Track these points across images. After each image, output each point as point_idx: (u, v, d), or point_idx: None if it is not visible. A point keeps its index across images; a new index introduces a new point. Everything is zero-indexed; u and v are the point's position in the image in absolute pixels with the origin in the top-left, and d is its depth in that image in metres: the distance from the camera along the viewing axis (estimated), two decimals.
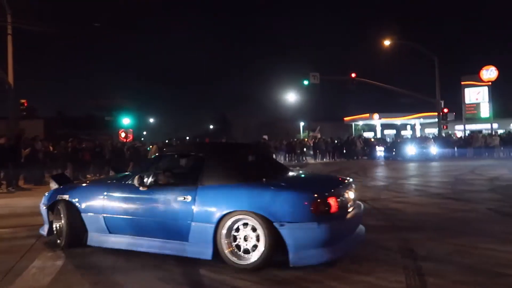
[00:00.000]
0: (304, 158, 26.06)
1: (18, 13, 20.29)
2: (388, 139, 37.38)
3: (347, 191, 4.54)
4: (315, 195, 3.98)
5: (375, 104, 48.31)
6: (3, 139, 12.61)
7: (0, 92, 20.38)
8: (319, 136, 34.01)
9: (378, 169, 18.24)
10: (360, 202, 5.13)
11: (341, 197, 4.27)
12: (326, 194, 4.07)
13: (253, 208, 3.99)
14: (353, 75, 30.26)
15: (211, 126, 78.65)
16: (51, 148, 17.05)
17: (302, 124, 58.24)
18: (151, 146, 19.20)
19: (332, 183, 4.72)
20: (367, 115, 46.74)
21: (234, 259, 4.07)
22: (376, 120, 46.65)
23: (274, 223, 3.88)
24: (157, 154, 7.00)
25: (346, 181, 4.86)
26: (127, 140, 27.38)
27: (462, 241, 5.04)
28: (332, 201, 4.01)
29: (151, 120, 67.76)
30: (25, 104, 21.95)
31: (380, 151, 27.53)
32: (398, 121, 49.09)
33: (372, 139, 32.85)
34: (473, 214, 6.80)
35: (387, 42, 30.72)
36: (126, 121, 31.62)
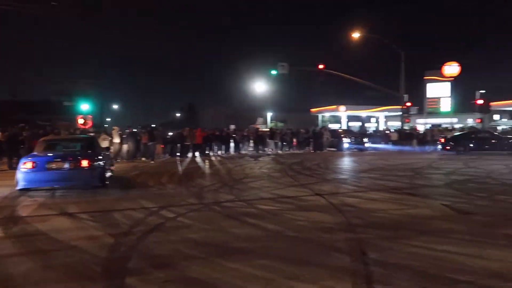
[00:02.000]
0: (264, 149, 25.55)
1: None
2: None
3: (60, 162, 8.84)
4: (23, 161, 8.89)
5: (342, 96, 48.57)
6: None
7: None
8: (258, 127, 33.45)
9: (341, 161, 18.19)
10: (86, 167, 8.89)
11: (41, 163, 8.76)
12: (25, 161, 8.89)
13: None
14: (321, 66, 30.20)
15: (178, 114, 77.16)
16: None
17: (270, 114, 58.07)
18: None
19: (46, 158, 9.07)
20: (334, 107, 47.16)
21: None
22: (342, 112, 47.14)
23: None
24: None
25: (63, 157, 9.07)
26: (87, 127, 26.16)
27: (416, 241, 4.81)
28: (28, 164, 8.71)
29: (115, 106, 65.56)
30: None
31: (347, 142, 27.57)
32: (363, 113, 49.82)
33: (340, 130, 33.04)
34: (429, 211, 6.64)
35: (355, 35, 30.75)
36: (85, 106, 30.17)
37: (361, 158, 19.54)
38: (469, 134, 22.78)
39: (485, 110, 28.61)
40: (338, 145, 27.17)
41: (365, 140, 28.09)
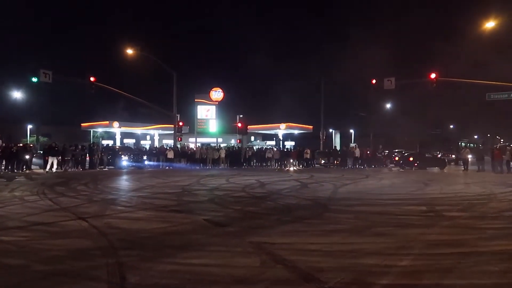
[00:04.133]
0: (23, 167, 22.22)
1: None
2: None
3: None
4: None
5: (116, 112, 46.98)
6: None
7: None
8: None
9: (114, 180, 17.37)
10: None
11: None
12: None
13: None
14: (92, 79, 28.39)
15: None
16: None
17: (30, 127, 50.68)
18: None
19: None
20: (107, 122, 45.15)
21: None
22: (116, 128, 45.60)
23: None
24: None
25: None
26: None
27: (177, 258, 4.96)
28: None
29: None
30: None
31: (125, 160, 26.73)
32: (138, 130, 49.55)
33: (117, 147, 31.65)
34: (192, 226, 7.03)
35: (129, 51, 30.52)
36: None
37: (136, 176, 19.23)
38: (417, 154, 30.91)
39: (244, 132, 33.05)
40: (115, 162, 26.03)
41: (144, 157, 27.98)
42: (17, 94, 43.02)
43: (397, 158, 30.91)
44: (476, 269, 4.57)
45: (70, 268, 4.58)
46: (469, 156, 26.70)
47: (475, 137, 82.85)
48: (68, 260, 4.91)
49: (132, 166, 26.45)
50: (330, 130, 48.33)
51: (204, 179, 17.52)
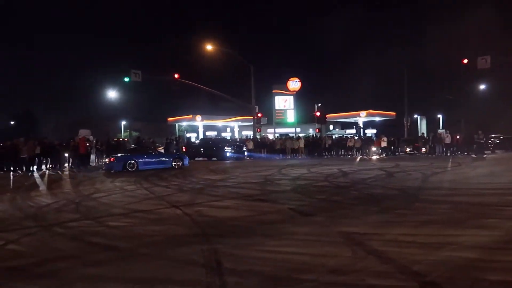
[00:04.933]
0: None
1: None
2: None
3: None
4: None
5: (198, 106, 49.25)
6: None
7: None
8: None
9: (199, 171, 18.26)
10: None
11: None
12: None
13: None
14: (176, 76, 30.05)
15: (12, 122, 66.91)
16: None
17: (123, 123, 55.18)
18: None
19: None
20: (190, 116, 47.46)
21: None
22: (199, 121, 47.77)
23: None
24: None
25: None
26: None
27: (267, 246, 5.07)
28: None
29: None
30: None
31: (228, 151, 27.03)
32: (219, 123, 51.39)
33: (214, 139, 32.29)
34: (278, 215, 7.13)
35: (209, 47, 31.56)
36: None
37: (220, 167, 19.99)
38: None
39: (322, 121, 32.52)
40: (219, 154, 26.55)
41: (244, 148, 28.26)
42: (111, 94, 47.08)
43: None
44: None
45: (170, 252, 4.92)
46: None
47: None
48: (167, 245, 5.28)
49: (234, 157, 26.69)
50: (415, 116, 45.52)
51: (285, 169, 17.61)
